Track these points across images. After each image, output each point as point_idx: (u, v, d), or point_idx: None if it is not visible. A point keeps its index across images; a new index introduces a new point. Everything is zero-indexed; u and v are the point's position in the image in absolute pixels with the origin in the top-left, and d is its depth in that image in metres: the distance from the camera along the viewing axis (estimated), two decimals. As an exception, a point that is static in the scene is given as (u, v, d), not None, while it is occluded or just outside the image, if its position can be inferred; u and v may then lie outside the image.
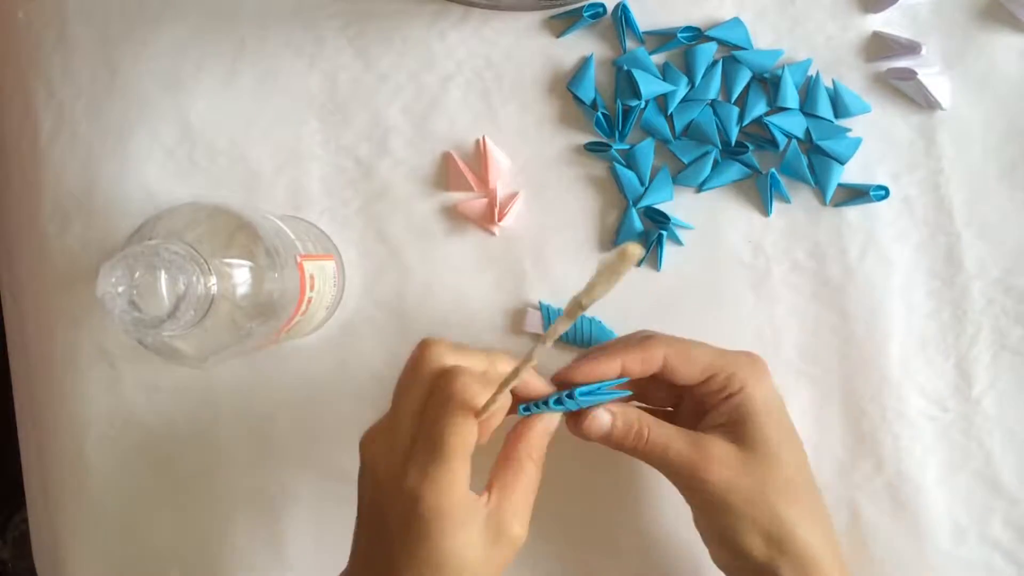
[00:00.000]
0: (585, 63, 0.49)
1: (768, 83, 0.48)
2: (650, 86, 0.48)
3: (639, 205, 0.48)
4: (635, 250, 0.28)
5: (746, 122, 0.48)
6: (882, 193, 0.48)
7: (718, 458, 0.38)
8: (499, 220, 0.48)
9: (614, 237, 0.49)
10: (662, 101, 0.49)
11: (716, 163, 0.48)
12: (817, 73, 0.48)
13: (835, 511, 0.46)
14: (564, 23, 0.49)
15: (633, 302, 0.48)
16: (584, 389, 0.39)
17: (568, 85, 0.49)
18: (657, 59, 0.49)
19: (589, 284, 0.30)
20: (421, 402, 0.36)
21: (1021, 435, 0.48)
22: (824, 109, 0.48)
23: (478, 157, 0.49)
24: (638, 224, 0.48)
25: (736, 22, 0.49)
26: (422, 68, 0.50)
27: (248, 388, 0.49)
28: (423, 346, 0.38)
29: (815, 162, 0.48)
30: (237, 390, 0.49)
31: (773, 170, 0.48)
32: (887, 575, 0.47)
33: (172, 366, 0.49)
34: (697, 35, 0.49)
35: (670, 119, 0.49)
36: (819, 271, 0.48)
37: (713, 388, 0.40)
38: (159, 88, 0.50)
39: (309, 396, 0.49)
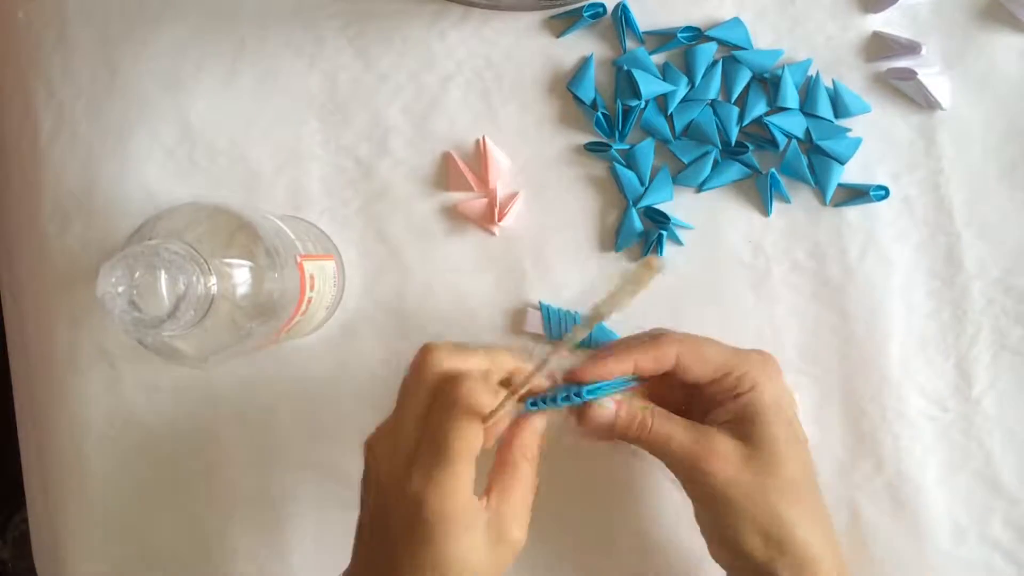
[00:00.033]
0: (585, 63, 0.49)
1: (768, 83, 0.48)
2: (650, 86, 0.48)
3: (639, 205, 0.48)
4: (658, 262, 0.30)
5: (746, 122, 0.48)
6: (882, 193, 0.48)
7: (721, 453, 0.38)
8: (499, 220, 0.48)
9: (614, 237, 0.49)
10: (662, 101, 0.49)
11: (716, 163, 0.48)
12: (817, 73, 0.48)
13: (835, 511, 0.46)
14: (564, 23, 0.49)
15: (633, 302, 0.48)
16: (592, 387, 0.39)
17: (568, 85, 0.49)
18: (657, 59, 0.49)
19: (610, 294, 0.31)
20: (425, 406, 0.36)
21: (1021, 435, 0.48)
22: (824, 109, 0.48)
23: (478, 157, 0.49)
24: (638, 224, 0.48)
25: (736, 22, 0.49)
26: (422, 68, 0.50)
27: (248, 388, 0.49)
28: (425, 351, 0.38)
29: (815, 162, 0.48)
30: (237, 390, 0.49)
31: (773, 170, 0.48)
32: (887, 575, 0.47)
33: (172, 366, 0.49)
34: (697, 35, 0.49)
35: (670, 119, 0.49)
36: (819, 271, 0.48)
37: (724, 387, 0.40)
38: (159, 88, 0.50)
39: (309, 396, 0.49)
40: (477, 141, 0.49)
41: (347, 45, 0.50)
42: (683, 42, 0.49)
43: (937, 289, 0.48)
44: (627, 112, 0.48)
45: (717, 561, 0.41)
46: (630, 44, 0.49)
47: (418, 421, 0.36)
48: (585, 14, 0.48)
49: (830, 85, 0.48)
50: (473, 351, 0.38)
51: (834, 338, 0.48)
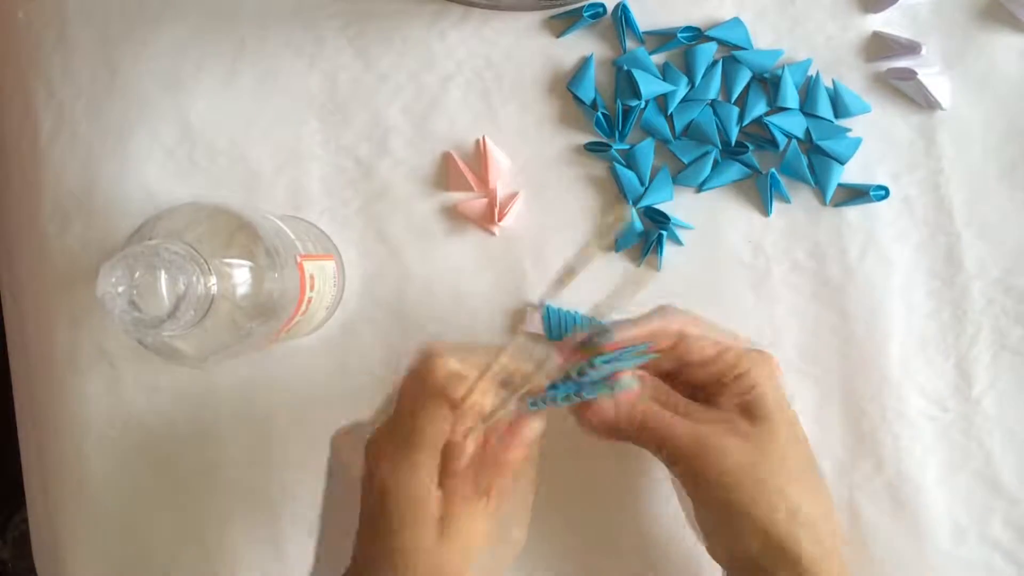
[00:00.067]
0: (585, 63, 0.49)
1: (768, 83, 0.48)
2: (650, 86, 0.48)
3: (639, 205, 0.48)
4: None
5: (746, 122, 0.48)
6: (882, 193, 0.48)
7: (719, 449, 0.38)
8: (499, 220, 0.48)
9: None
10: (662, 101, 0.49)
11: (716, 163, 0.48)
12: (817, 73, 0.48)
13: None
14: (564, 23, 0.49)
15: (633, 302, 0.48)
16: (605, 357, 0.38)
17: (568, 85, 0.49)
18: (657, 59, 0.49)
19: (610, 294, 0.33)
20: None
21: (1021, 435, 0.48)
22: (824, 109, 0.48)
23: (478, 157, 0.49)
24: (638, 224, 0.48)
25: (736, 22, 0.49)
26: (422, 68, 0.50)
27: (248, 388, 0.49)
28: (427, 354, 0.38)
29: (815, 162, 0.48)
30: (237, 390, 0.49)
31: (773, 170, 0.48)
32: (887, 575, 0.47)
33: (172, 366, 0.49)
34: (697, 35, 0.49)
35: (670, 119, 0.49)
36: (819, 271, 0.48)
37: (722, 368, 0.40)
38: (159, 88, 0.50)
39: (309, 396, 0.49)
40: (477, 141, 0.49)
41: (347, 45, 0.50)
42: (683, 42, 0.49)
43: (937, 289, 0.48)
44: (627, 112, 0.48)
45: (715, 558, 0.41)
46: (630, 44, 0.49)
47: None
48: (585, 14, 0.48)
49: (830, 85, 0.48)
50: (473, 350, 0.38)
51: (834, 338, 0.48)
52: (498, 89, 0.49)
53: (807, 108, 0.48)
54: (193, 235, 0.38)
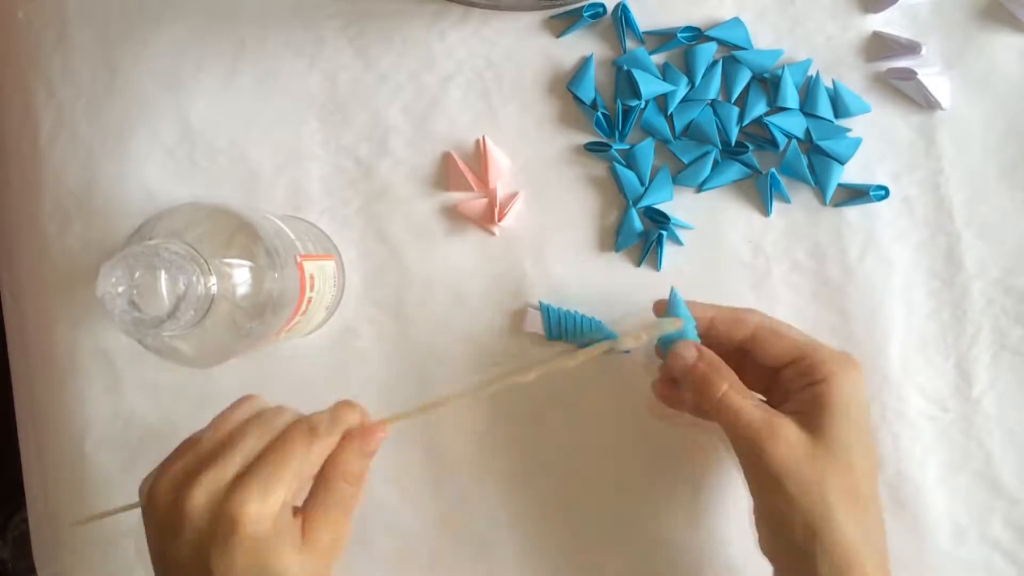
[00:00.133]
0: (585, 63, 0.49)
1: (768, 83, 0.48)
2: (650, 86, 0.48)
3: (639, 205, 0.48)
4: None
5: (746, 122, 0.48)
6: (882, 193, 0.48)
7: (786, 439, 0.38)
8: (499, 220, 0.48)
9: (614, 237, 0.49)
10: (662, 101, 0.49)
11: (716, 163, 0.48)
12: (817, 73, 0.48)
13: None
14: (564, 23, 0.49)
15: (634, 302, 0.48)
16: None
17: (568, 85, 0.49)
18: (657, 59, 0.49)
19: (626, 335, 0.39)
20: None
21: (1021, 435, 0.48)
22: (824, 109, 0.48)
23: (478, 157, 0.49)
24: (638, 224, 0.48)
25: (736, 22, 0.49)
26: (422, 68, 0.50)
27: (248, 388, 0.49)
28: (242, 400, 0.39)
29: (815, 162, 0.48)
30: (237, 390, 0.49)
31: (773, 170, 0.48)
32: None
33: (172, 366, 0.49)
34: (697, 35, 0.49)
35: (670, 119, 0.49)
36: (819, 271, 0.48)
37: (799, 371, 0.40)
38: (159, 88, 0.50)
39: (309, 396, 0.49)
40: (477, 141, 0.49)
41: (347, 45, 0.50)
42: (683, 42, 0.49)
43: (937, 289, 0.48)
44: (627, 112, 0.48)
45: (765, 554, 0.40)
46: (630, 44, 0.49)
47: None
48: (585, 14, 0.48)
49: (830, 85, 0.48)
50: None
51: (834, 338, 0.48)
52: (498, 89, 0.49)
53: (807, 108, 0.48)
54: (193, 235, 0.38)
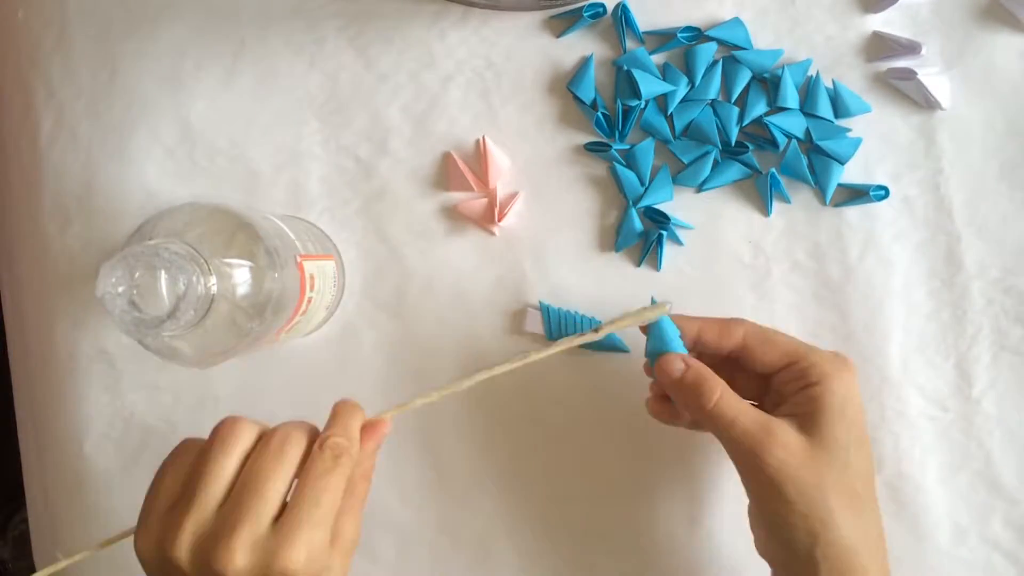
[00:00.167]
0: (585, 63, 0.49)
1: (768, 83, 0.48)
2: (650, 86, 0.48)
3: (639, 205, 0.48)
4: (668, 306, 0.39)
5: (746, 122, 0.48)
6: (882, 193, 0.48)
7: (783, 443, 0.38)
8: (499, 220, 0.48)
9: (614, 237, 0.49)
10: (662, 101, 0.49)
11: (716, 163, 0.48)
12: (817, 73, 0.48)
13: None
14: (564, 23, 0.49)
15: (634, 302, 0.48)
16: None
17: (568, 85, 0.49)
18: (657, 59, 0.49)
19: (612, 321, 0.39)
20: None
21: (1021, 435, 0.48)
22: (824, 109, 0.48)
23: (478, 157, 0.49)
24: (638, 224, 0.48)
25: (736, 22, 0.49)
26: (422, 68, 0.50)
27: (248, 388, 0.49)
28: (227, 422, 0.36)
29: (815, 162, 0.48)
30: (237, 390, 0.49)
31: (773, 170, 0.48)
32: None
33: (172, 366, 0.49)
34: (697, 35, 0.49)
35: (670, 119, 0.49)
36: (819, 271, 0.48)
37: (792, 375, 0.40)
38: (159, 88, 0.50)
39: (309, 396, 0.49)
40: (477, 141, 0.49)
41: (347, 45, 0.50)
42: (683, 42, 0.49)
43: (937, 289, 0.48)
44: (627, 112, 0.48)
45: (763, 556, 0.40)
46: (630, 44, 0.49)
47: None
48: (585, 14, 0.48)
49: (830, 85, 0.48)
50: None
51: (834, 338, 0.48)
52: (498, 89, 0.49)
53: (807, 108, 0.48)
54: (193, 235, 0.38)
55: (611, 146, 0.48)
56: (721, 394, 0.39)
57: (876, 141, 0.48)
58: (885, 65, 0.49)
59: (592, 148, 0.49)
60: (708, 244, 0.49)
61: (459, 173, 0.49)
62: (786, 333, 0.42)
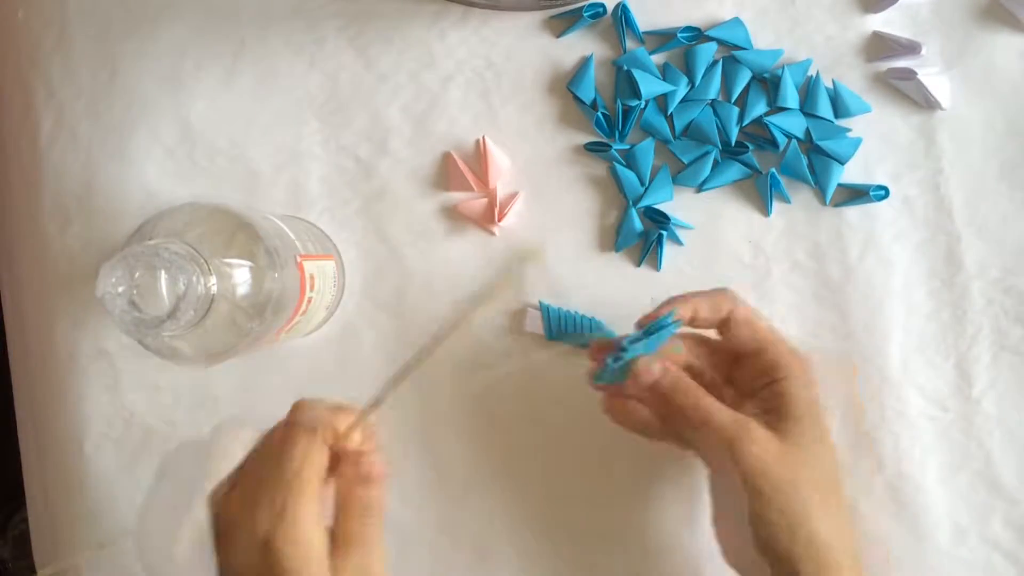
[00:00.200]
0: (585, 63, 0.49)
1: (768, 83, 0.48)
2: (650, 86, 0.48)
3: (639, 205, 0.48)
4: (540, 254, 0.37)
5: (746, 122, 0.48)
6: (882, 193, 0.48)
7: (757, 439, 0.38)
8: (499, 220, 0.48)
9: (614, 237, 0.49)
10: (662, 101, 0.49)
11: (716, 163, 0.48)
12: (817, 73, 0.48)
13: (835, 511, 0.46)
14: (564, 23, 0.49)
15: (634, 302, 0.48)
16: (632, 336, 0.40)
17: (568, 85, 0.49)
18: (657, 59, 0.49)
19: (494, 284, 0.37)
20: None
21: (1021, 435, 0.48)
22: (824, 109, 0.48)
23: (478, 157, 0.49)
24: (638, 224, 0.48)
25: (736, 22, 0.49)
26: (422, 68, 0.50)
27: (248, 388, 0.49)
28: (295, 405, 0.37)
29: (815, 162, 0.48)
30: (237, 390, 0.49)
31: (773, 170, 0.48)
32: (887, 575, 0.47)
33: (172, 366, 0.49)
34: (697, 35, 0.49)
35: (670, 119, 0.49)
36: (819, 271, 0.48)
37: (759, 368, 0.40)
38: (159, 88, 0.50)
39: (309, 396, 0.49)
40: (477, 141, 0.49)
41: (347, 45, 0.50)
42: (683, 42, 0.49)
43: (937, 289, 0.48)
44: (627, 112, 0.48)
45: (734, 566, 0.40)
46: (630, 44, 0.49)
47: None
48: (585, 14, 0.48)
49: (830, 85, 0.48)
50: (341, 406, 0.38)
51: (834, 338, 0.48)
52: (498, 89, 0.49)
53: (807, 108, 0.48)
54: (193, 235, 0.38)
55: (611, 146, 0.48)
56: (697, 394, 0.40)
57: (876, 141, 0.48)
58: (885, 65, 0.49)
59: (592, 148, 0.49)
60: (708, 244, 0.49)
61: (459, 173, 0.49)
62: (766, 319, 0.42)
